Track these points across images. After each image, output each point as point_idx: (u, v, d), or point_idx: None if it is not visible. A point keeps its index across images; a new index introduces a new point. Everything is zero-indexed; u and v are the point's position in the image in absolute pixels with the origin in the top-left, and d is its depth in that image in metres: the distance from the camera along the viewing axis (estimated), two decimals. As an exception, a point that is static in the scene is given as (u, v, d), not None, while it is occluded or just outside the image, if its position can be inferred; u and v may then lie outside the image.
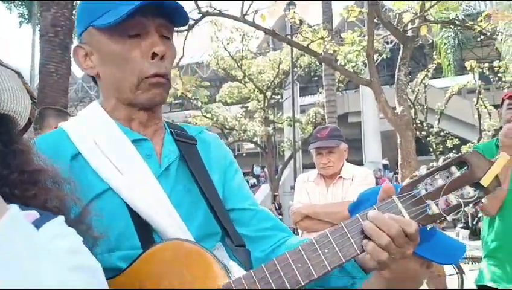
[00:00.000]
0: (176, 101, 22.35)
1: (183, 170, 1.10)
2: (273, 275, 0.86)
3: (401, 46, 5.67)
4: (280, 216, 14.73)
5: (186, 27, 7.12)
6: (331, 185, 3.07)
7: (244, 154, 25.73)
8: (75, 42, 1.52)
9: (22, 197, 0.74)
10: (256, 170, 27.38)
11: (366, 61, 6.06)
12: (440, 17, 6.43)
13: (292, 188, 12.97)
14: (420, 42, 13.27)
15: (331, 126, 3.31)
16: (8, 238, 0.58)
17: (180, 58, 8.37)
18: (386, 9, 6.13)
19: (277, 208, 16.80)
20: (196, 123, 16.22)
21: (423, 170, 0.95)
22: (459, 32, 12.87)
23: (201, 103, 16.24)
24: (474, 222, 15.78)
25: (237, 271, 0.93)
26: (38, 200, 0.76)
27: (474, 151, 0.96)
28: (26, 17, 18.03)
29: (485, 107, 15.64)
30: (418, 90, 15.69)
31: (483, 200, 0.93)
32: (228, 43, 15.18)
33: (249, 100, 17.66)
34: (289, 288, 0.86)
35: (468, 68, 13.92)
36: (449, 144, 16.21)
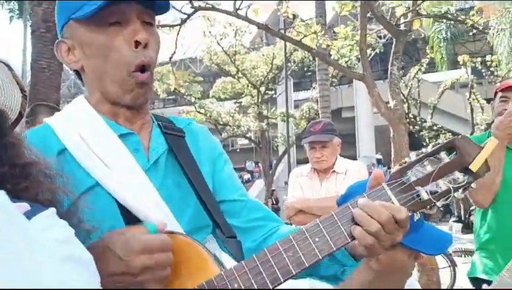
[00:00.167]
0: (169, 97, 22.29)
1: (172, 163, 1.10)
2: (264, 264, 0.86)
3: (394, 40, 5.68)
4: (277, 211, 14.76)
5: (178, 22, 7.10)
6: (325, 179, 3.08)
7: (238, 150, 25.73)
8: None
9: (13, 190, 0.73)
10: (249, 165, 27.38)
11: (359, 56, 6.07)
12: (432, 11, 6.45)
13: (286, 183, 12.98)
14: (413, 36, 13.30)
15: (324, 121, 3.32)
16: None
17: (173, 54, 8.33)
18: (378, 3, 6.13)
19: (274, 203, 16.84)
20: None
21: (413, 157, 0.95)
22: (451, 26, 12.91)
23: (195, 98, 16.22)
24: (467, 216, 15.91)
25: (229, 263, 0.94)
26: (29, 193, 0.75)
27: (463, 137, 0.96)
28: (17, 12, 17.85)
29: (478, 101, 15.72)
30: (411, 84, 15.73)
31: (472, 185, 0.94)
32: (221, 38, 15.14)
33: (243, 95, 17.64)
34: (281, 277, 0.87)
35: (461, 62, 13.97)
36: (442, 138, 16.27)
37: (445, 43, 15.38)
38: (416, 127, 16.16)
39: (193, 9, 6.65)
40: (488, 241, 2.55)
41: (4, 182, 0.75)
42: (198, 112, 16.29)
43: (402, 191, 0.93)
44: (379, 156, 24.30)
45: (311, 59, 15.90)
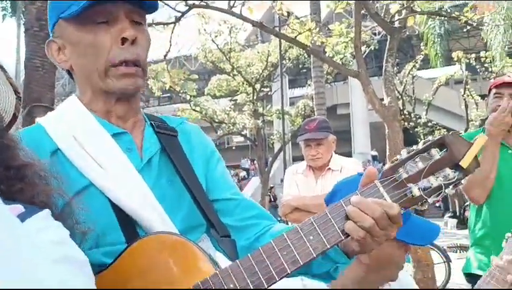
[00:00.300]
0: (164, 95, 22.21)
1: (165, 162, 1.10)
2: (259, 264, 0.87)
3: (389, 37, 5.68)
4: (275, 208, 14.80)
5: (173, 20, 7.08)
6: (320, 176, 3.09)
7: (233, 148, 25.70)
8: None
9: (8, 192, 0.73)
10: (244, 163, 27.36)
11: (354, 53, 6.07)
12: (426, 7, 6.46)
13: (282, 180, 12.97)
14: (407, 33, 13.31)
15: (319, 118, 3.33)
16: None
17: (168, 52, 8.30)
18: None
19: (272, 200, 16.84)
20: (185, 117, 16.14)
21: (404, 154, 0.96)
22: (445, 22, 12.93)
23: (190, 96, 16.15)
24: (462, 211, 15.98)
25: (223, 262, 0.94)
26: (24, 196, 0.75)
27: (453, 133, 0.97)
28: (10, 10, 17.72)
29: (472, 97, 15.76)
30: (406, 81, 15.74)
31: (462, 181, 0.95)
32: (216, 36, 15.08)
33: (238, 93, 17.59)
34: (276, 276, 0.87)
35: (455, 59, 13.98)
36: (437, 135, 16.32)
37: (439, 39, 15.41)
38: (411, 123, 16.19)
39: (187, 7, 6.62)
40: (482, 237, 2.56)
41: None
42: (194, 109, 16.23)
43: (394, 188, 0.94)
44: (374, 153, 24.37)
45: (306, 56, 15.88)
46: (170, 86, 14.18)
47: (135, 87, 1.07)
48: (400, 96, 14.02)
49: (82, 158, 1.02)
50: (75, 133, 1.04)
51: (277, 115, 17.33)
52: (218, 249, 1.09)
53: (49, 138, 1.04)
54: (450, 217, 16.67)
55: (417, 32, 16.36)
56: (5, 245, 0.56)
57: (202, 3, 6.65)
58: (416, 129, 16.42)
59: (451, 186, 0.94)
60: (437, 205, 19.24)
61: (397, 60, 8.53)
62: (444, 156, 0.94)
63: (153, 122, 1.15)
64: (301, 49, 8.99)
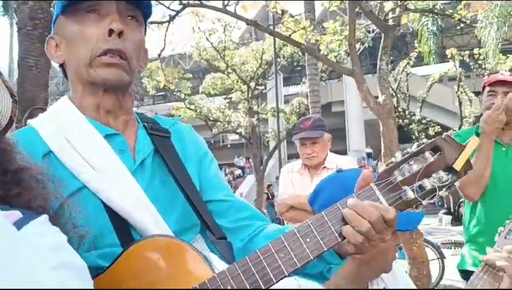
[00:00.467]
0: (159, 93, 22.16)
1: (158, 163, 1.10)
2: (257, 266, 0.87)
3: (383, 35, 5.70)
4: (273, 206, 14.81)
5: (167, 18, 7.05)
6: (316, 175, 3.10)
7: (228, 146, 25.70)
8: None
9: (5, 196, 0.73)
10: (238, 161, 27.33)
11: (349, 51, 6.08)
12: (420, 5, 6.47)
13: (277, 178, 13.00)
14: (401, 31, 13.34)
15: (314, 117, 3.34)
16: None
17: (162, 50, 8.28)
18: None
19: (270, 197, 16.84)
20: (180, 115, 16.10)
21: (398, 157, 0.98)
22: (438, 19, 12.95)
23: (185, 94, 16.11)
24: (457, 208, 16.05)
25: (217, 263, 0.94)
26: (21, 200, 0.74)
27: (446, 136, 0.99)
28: (2, 9, 17.58)
29: (466, 94, 15.81)
30: (400, 78, 15.77)
31: (456, 183, 0.96)
32: (210, 34, 15.04)
33: (233, 91, 17.57)
34: (273, 279, 0.87)
35: (449, 56, 14.03)
36: (431, 132, 16.36)
37: (432, 36, 15.42)
38: (405, 120, 16.23)
39: (181, 6, 6.60)
40: (477, 234, 2.58)
41: None
42: (188, 108, 16.19)
43: (389, 191, 0.95)
44: (369, 150, 24.45)
45: (301, 54, 15.89)
46: (164, 85, 14.13)
47: (118, 78, 1.06)
48: (394, 94, 14.04)
49: (75, 160, 1.01)
50: (67, 135, 1.04)
51: (272, 113, 17.33)
52: (212, 251, 1.09)
53: (41, 140, 1.04)
54: (444, 213, 16.74)
55: (411, 29, 16.39)
56: (3, 250, 0.56)
57: (196, 2, 6.63)
58: (410, 126, 16.46)
59: (444, 189, 0.96)
60: (431, 201, 19.28)
61: (391, 57, 8.54)
62: (438, 159, 0.96)
63: (146, 124, 1.15)
64: (295, 47, 8.99)
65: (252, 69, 16.42)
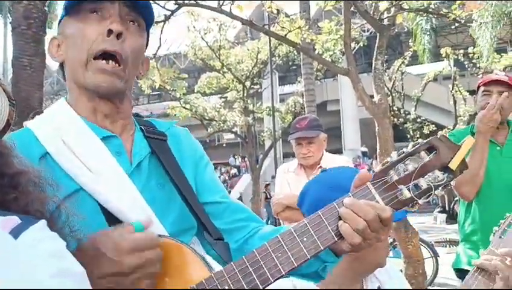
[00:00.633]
0: (154, 93, 22.12)
1: (155, 165, 1.10)
2: (254, 265, 0.88)
3: (378, 35, 5.71)
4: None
5: (162, 18, 7.03)
6: (312, 175, 3.10)
7: (224, 145, 25.69)
8: (49, 34, 1.52)
9: (2, 201, 0.73)
10: (232, 160, 27.30)
11: (344, 50, 6.09)
12: (415, 4, 6.49)
13: (273, 177, 13.02)
14: (396, 30, 13.38)
15: (310, 116, 3.35)
16: None
17: (158, 49, 8.26)
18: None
19: (268, 197, 16.84)
20: (175, 114, 16.08)
21: (394, 156, 0.98)
22: (432, 19, 12.99)
23: (180, 94, 16.08)
24: (451, 206, 16.12)
25: (213, 265, 0.95)
26: (19, 204, 0.74)
27: (441, 136, 1.00)
28: (-4, 9, 17.48)
29: (461, 93, 15.86)
30: (395, 77, 15.80)
31: (451, 183, 0.97)
32: (205, 33, 15.02)
33: (228, 90, 17.55)
34: (270, 278, 0.88)
35: (444, 55, 14.07)
36: (426, 130, 16.41)
37: (426, 35, 15.47)
38: (400, 119, 16.26)
39: (177, 6, 6.59)
40: (471, 233, 2.60)
41: None
42: (184, 107, 16.17)
43: (386, 190, 0.96)
44: (364, 149, 24.50)
45: (296, 53, 15.90)
46: (160, 84, 14.10)
47: (111, 86, 1.06)
48: (389, 93, 14.07)
49: (71, 162, 1.01)
50: (64, 137, 1.04)
51: (267, 112, 17.33)
52: (208, 252, 1.10)
53: (38, 142, 1.04)
54: (439, 211, 16.80)
55: (406, 28, 16.43)
56: (3, 260, 0.56)
57: (192, 1, 6.61)
58: (405, 125, 16.51)
59: (440, 188, 0.97)
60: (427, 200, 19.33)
61: (386, 56, 8.56)
62: (433, 159, 0.97)
63: (142, 127, 1.16)
64: (291, 47, 9.00)
65: (248, 68, 16.41)
